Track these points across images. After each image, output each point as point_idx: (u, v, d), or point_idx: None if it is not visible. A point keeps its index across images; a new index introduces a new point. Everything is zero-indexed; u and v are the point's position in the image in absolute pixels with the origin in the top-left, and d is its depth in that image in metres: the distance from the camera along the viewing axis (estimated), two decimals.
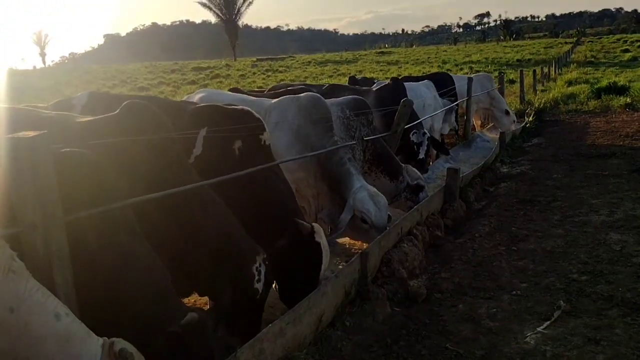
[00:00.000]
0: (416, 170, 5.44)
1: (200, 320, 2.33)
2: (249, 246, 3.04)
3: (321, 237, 3.48)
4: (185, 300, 3.49)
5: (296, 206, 3.72)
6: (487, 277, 4.19)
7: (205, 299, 3.53)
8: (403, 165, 5.45)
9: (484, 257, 4.59)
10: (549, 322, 3.37)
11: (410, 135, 6.39)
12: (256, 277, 2.96)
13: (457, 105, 9.72)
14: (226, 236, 3.00)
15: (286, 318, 2.94)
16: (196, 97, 5.15)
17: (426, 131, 6.58)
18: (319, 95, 4.87)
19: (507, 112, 11.01)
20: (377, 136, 5.42)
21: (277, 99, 4.84)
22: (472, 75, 11.05)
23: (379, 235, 4.25)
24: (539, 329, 3.32)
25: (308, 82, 29.63)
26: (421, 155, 6.50)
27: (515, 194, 6.72)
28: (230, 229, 3.05)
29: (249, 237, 3.09)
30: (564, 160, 8.61)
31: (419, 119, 6.37)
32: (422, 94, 8.93)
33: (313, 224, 3.51)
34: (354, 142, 5.10)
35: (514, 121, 11.24)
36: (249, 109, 3.68)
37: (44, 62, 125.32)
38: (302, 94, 4.81)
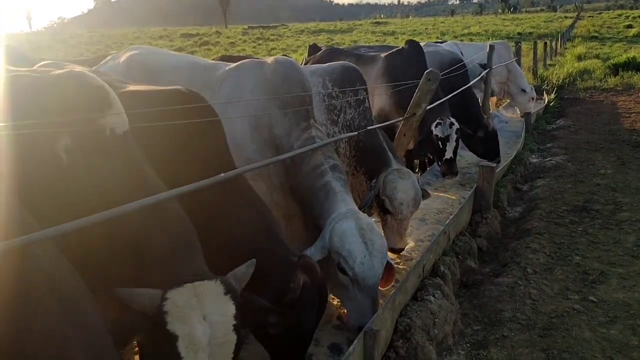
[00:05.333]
0: (407, 181, 3.35)
1: None
2: None
3: (183, 323, 1.64)
4: None
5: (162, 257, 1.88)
6: None
7: None
8: (394, 167, 3.44)
9: (552, 317, 3.00)
10: None
11: (433, 128, 4.64)
12: None
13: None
14: None
15: None
16: (122, 58, 3.47)
17: (454, 121, 4.73)
18: (292, 60, 3.08)
19: (524, 90, 9.29)
20: (378, 125, 3.59)
21: (235, 64, 3.12)
22: (491, 43, 9.30)
23: (388, 298, 2.62)
24: None
25: (300, 51, 27.59)
26: (448, 154, 4.69)
27: (560, 198, 5.14)
28: None
29: None
30: (606, 149, 7.08)
31: (443, 97, 4.60)
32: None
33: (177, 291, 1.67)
34: (338, 138, 3.32)
35: (533, 98, 9.53)
36: (84, 72, 1.88)
37: (30, 26, 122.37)
38: (271, 58, 3.05)
